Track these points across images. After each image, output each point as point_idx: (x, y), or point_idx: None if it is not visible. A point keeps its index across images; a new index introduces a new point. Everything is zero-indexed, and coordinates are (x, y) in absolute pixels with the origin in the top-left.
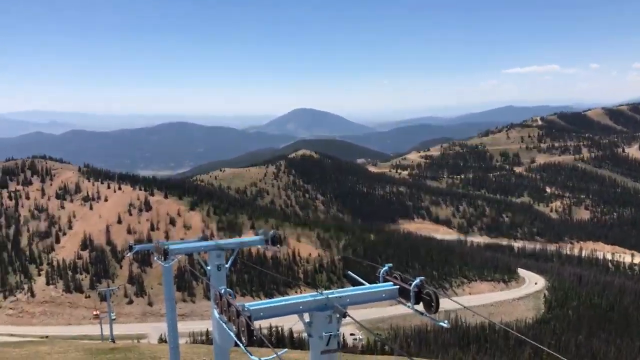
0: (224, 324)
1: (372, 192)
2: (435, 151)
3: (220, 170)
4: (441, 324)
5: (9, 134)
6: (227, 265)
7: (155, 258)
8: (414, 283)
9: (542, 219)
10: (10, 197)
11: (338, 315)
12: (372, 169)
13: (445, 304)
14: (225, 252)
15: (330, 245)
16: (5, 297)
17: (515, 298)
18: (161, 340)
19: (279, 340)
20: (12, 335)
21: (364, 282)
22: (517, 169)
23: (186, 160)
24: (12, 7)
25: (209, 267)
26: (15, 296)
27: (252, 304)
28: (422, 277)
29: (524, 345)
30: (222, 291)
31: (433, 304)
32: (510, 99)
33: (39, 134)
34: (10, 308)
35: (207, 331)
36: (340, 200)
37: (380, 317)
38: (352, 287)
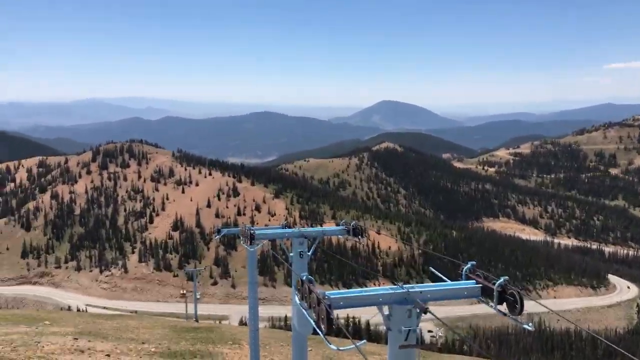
0: (304, 311)
1: (456, 189)
2: (525, 148)
3: (305, 160)
4: (525, 326)
5: (110, 118)
6: (309, 253)
7: (241, 242)
8: (497, 282)
9: (638, 223)
10: (109, 178)
11: (418, 311)
12: (457, 164)
13: (528, 306)
14: (308, 240)
15: (411, 239)
16: (101, 272)
17: (604, 305)
18: (241, 322)
19: (356, 331)
20: (105, 307)
21: (445, 278)
22: (613, 171)
23: (273, 149)
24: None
25: (291, 254)
26: (110, 271)
27: (333, 292)
28: (506, 277)
29: (613, 357)
30: (304, 278)
31: (517, 305)
32: (611, 95)
33: (137, 119)
34: (105, 282)
35: (286, 317)
36: (422, 195)
37: (460, 316)
38: (433, 283)
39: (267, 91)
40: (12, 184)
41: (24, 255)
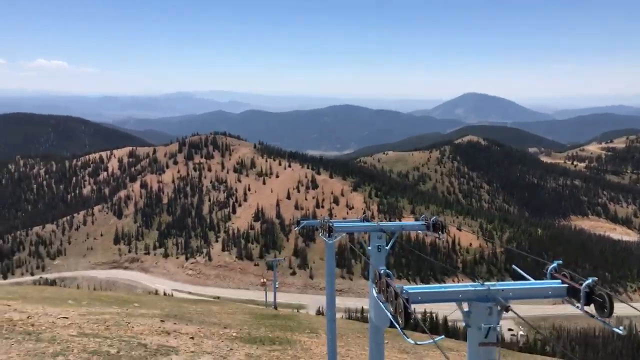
0: (381, 304)
1: (543, 184)
2: (619, 143)
3: (384, 154)
4: (616, 329)
5: (195, 111)
6: (387, 248)
7: (320, 234)
8: (585, 283)
9: None
10: (195, 169)
11: (499, 308)
12: (545, 159)
13: (618, 308)
14: (386, 235)
15: (493, 236)
16: (187, 259)
17: None
18: (319, 312)
19: (433, 326)
20: (190, 293)
21: (528, 277)
22: None
23: (352, 142)
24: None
25: (369, 248)
26: (195, 258)
27: (411, 287)
28: (595, 278)
29: None
30: (382, 272)
31: (607, 306)
32: None
33: (220, 112)
34: (190, 269)
35: (362, 309)
36: (507, 190)
37: (542, 316)
38: (515, 282)
39: (349, 84)
40: (105, 173)
41: (116, 241)
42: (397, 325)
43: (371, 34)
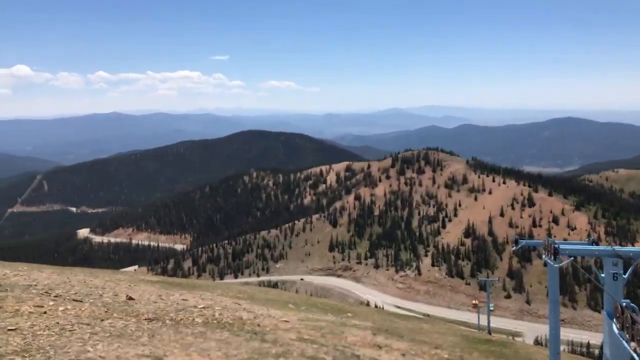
0: (624, 343)
1: None
2: None
3: (613, 171)
4: None
5: (409, 127)
6: (624, 276)
7: (543, 256)
8: None
9: None
10: (406, 183)
11: None
12: None
13: None
14: (623, 261)
15: None
16: (396, 271)
17: None
18: (537, 342)
19: None
20: (398, 307)
21: None
22: None
23: (574, 158)
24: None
25: (602, 275)
26: (404, 272)
27: None
28: None
29: None
30: (625, 305)
31: None
32: None
33: (433, 127)
34: (400, 282)
35: (589, 343)
36: None
37: None
38: None
39: (571, 94)
40: (324, 185)
41: (331, 248)
42: None
43: (600, 34)
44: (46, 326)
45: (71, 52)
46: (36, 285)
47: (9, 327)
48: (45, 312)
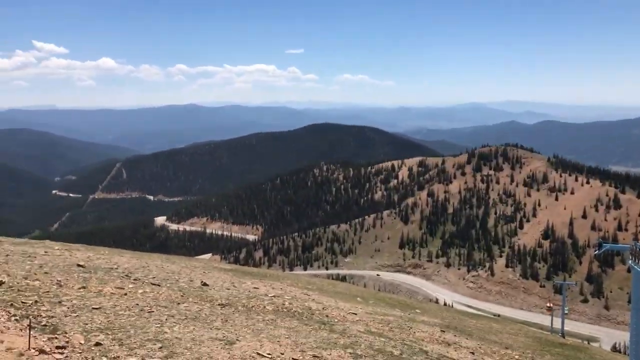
0: None
1: None
2: None
3: None
4: None
5: (487, 122)
6: None
7: (629, 261)
8: None
9: None
10: (482, 181)
11: None
12: None
13: None
14: None
15: None
16: (468, 271)
17: None
18: (614, 349)
19: None
20: (469, 306)
21: None
22: None
23: None
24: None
25: None
26: (477, 272)
27: None
28: None
29: None
30: None
31: None
32: None
33: (513, 123)
34: (471, 282)
35: None
36: None
37: None
38: None
39: None
40: (396, 181)
41: (401, 245)
42: None
43: None
44: (127, 307)
45: (153, 46)
46: (117, 268)
47: (93, 306)
48: (125, 294)
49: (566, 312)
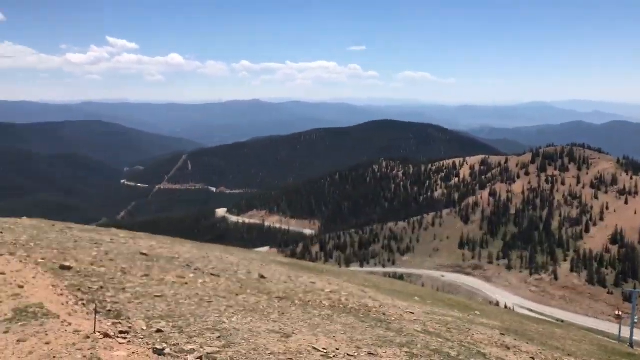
0: None
1: None
2: None
3: None
4: None
5: (553, 121)
6: None
7: None
8: None
9: None
10: (547, 181)
11: None
12: None
13: None
14: None
15: None
16: (530, 274)
17: None
18: None
19: None
20: (530, 310)
21: None
22: None
23: None
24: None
25: None
26: (539, 275)
27: None
28: None
29: None
30: None
31: None
32: None
33: (580, 123)
34: (534, 285)
35: None
36: None
37: None
38: None
39: None
40: (456, 179)
41: (461, 246)
42: None
43: None
44: (187, 296)
45: (219, 43)
46: (178, 258)
47: (155, 294)
48: (186, 283)
49: (636, 321)
